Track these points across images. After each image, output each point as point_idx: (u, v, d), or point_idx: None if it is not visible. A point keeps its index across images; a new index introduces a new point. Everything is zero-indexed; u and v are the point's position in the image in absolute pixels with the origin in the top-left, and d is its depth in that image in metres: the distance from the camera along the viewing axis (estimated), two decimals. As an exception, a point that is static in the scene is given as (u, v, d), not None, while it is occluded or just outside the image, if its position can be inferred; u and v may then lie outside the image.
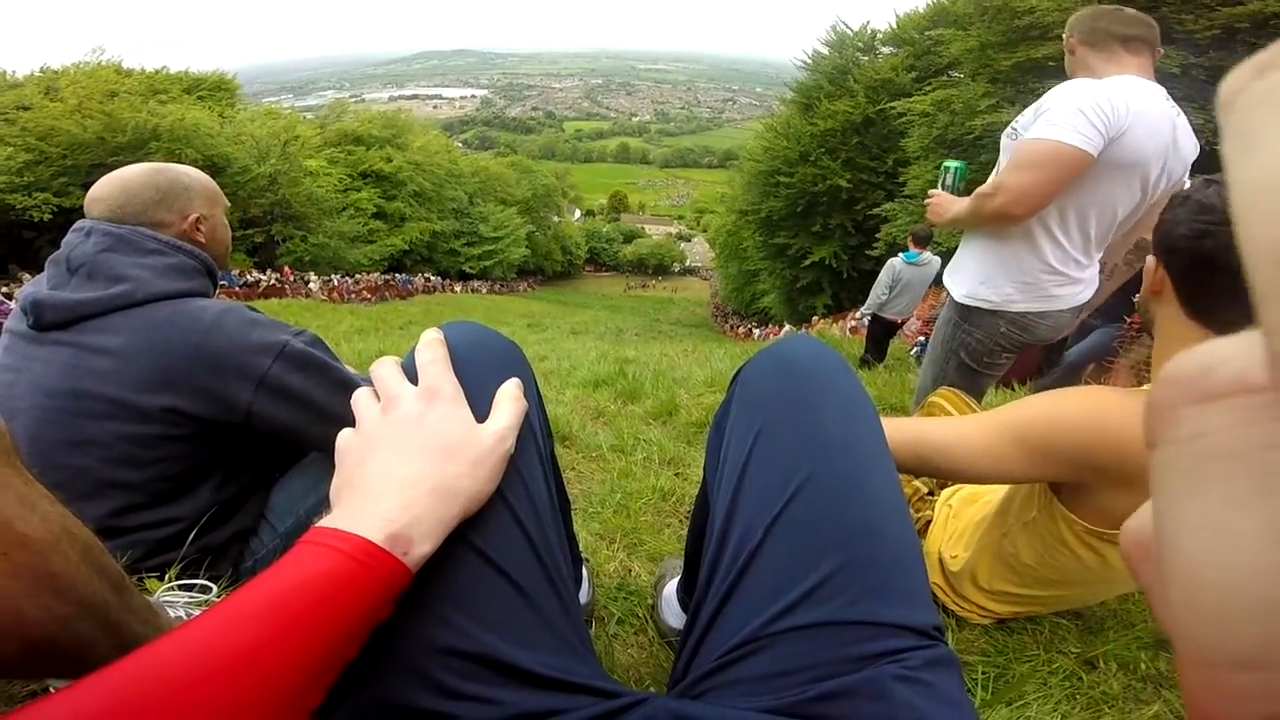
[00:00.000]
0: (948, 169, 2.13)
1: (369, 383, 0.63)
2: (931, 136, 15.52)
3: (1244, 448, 0.15)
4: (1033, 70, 12.90)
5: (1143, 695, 1.18)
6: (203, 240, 1.28)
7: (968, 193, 1.95)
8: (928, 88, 16.40)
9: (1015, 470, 1.01)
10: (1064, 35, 1.82)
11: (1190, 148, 1.70)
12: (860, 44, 22.68)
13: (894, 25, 21.83)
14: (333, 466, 0.58)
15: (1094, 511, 1.03)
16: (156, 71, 29.01)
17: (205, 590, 1.04)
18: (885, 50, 22.19)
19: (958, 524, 1.37)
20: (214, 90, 30.06)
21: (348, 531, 0.48)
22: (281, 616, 0.43)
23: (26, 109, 21.21)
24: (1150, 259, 1.03)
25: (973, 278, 1.94)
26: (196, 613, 0.95)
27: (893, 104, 17.52)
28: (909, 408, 3.66)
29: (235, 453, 1.20)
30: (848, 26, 23.02)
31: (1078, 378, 4.75)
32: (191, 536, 1.15)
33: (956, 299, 1.98)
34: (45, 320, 1.08)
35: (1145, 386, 1.03)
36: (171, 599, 0.99)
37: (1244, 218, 0.15)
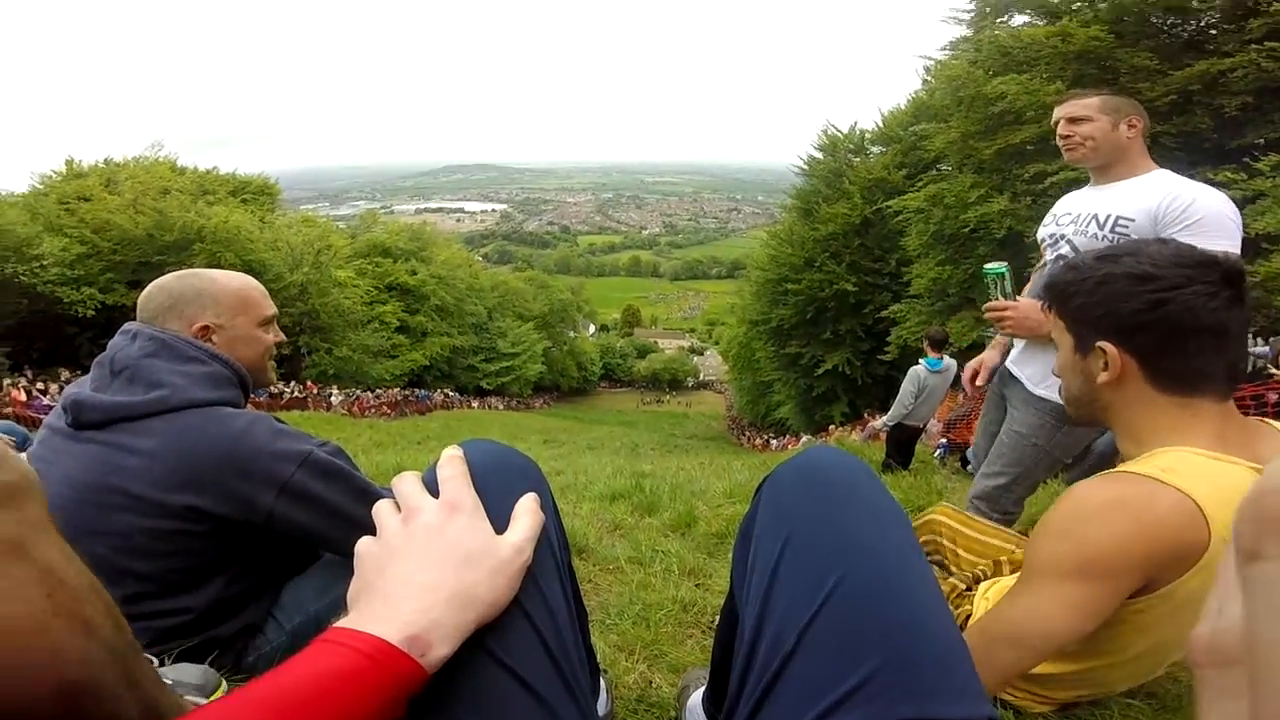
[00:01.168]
0: (999, 275, 1.97)
1: (389, 492, 0.65)
2: (929, 233, 15.86)
3: None
4: (1014, 156, 13.32)
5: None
6: (209, 339, 1.32)
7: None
8: (919, 183, 16.86)
9: (1109, 608, 0.97)
10: (1125, 114, 1.86)
11: None
12: (851, 145, 23.53)
13: (880, 124, 22.79)
14: (346, 569, 0.59)
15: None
16: (207, 171, 30.23)
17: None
18: (875, 150, 23.01)
19: None
20: (257, 194, 31.19)
21: (364, 631, 0.49)
22: (289, 709, 0.43)
23: (87, 200, 22.07)
24: (1106, 347, 1.02)
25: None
26: None
27: (888, 203, 18.01)
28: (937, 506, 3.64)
29: (249, 551, 1.23)
30: (838, 129, 23.94)
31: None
32: (199, 626, 1.17)
33: (1052, 398, 1.93)
34: (83, 420, 1.14)
35: (1138, 468, 0.99)
36: None
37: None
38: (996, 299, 1.98)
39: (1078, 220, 1.93)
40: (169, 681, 0.93)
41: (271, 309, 1.45)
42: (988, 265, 2.02)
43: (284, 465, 1.15)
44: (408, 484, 0.64)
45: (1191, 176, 1.78)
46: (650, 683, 1.41)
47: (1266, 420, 1.04)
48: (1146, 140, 1.90)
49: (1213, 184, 1.77)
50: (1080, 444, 2.02)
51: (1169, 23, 12.19)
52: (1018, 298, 2.00)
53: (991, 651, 1.01)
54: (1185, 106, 11.23)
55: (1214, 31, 11.65)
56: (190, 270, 1.36)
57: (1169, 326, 0.96)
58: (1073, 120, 1.92)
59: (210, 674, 1.07)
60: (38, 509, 0.58)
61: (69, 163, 26.34)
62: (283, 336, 1.50)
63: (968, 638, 0.82)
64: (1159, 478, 0.93)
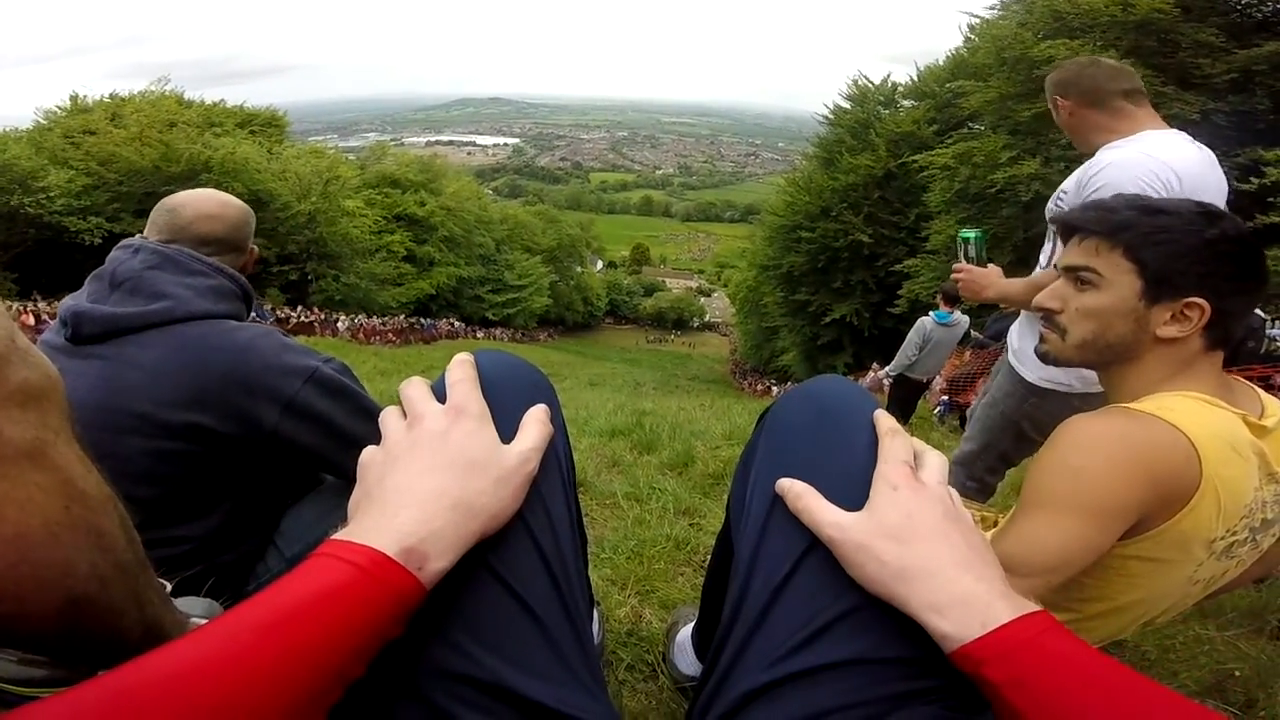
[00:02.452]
0: (966, 239, 2.02)
1: None
2: (953, 190, 15.60)
3: None
4: (1053, 121, 13.01)
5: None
6: (248, 270, 1.34)
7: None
8: (949, 140, 16.55)
9: (1102, 543, 0.95)
10: (1051, 96, 1.81)
11: (1224, 187, 1.67)
12: (881, 98, 23.06)
13: (915, 78, 22.23)
14: (348, 494, 0.58)
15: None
16: (214, 104, 30.06)
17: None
18: (906, 103, 22.50)
19: None
20: (265, 126, 30.95)
21: (361, 544, 0.47)
22: (284, 626, 0.42)
23: (92, 134, 22.35)
24: (1200, 304, 0.99)
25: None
26: None
27: (914, 157, 17.72)
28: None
29: (251, 474, 1.21)
30: (869, 80, 23.44)
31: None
32: (200, 555, 1.15)
33: (1031, 380, 1.88)
34: (84, 333, 1.09)
35: (1136, 405, 0.99)
36: None
37: None
38: (961, 261, 2.01)
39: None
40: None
41: None
42: (963, 230, 2.05)
43: (289, 380, 1.13)
44: (415, 389, 0.63)
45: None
46: (641, 617, 1.44)
47: (1238, 378, 1.08)
48: (1109, 111, 1.72)
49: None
50: (1053, 423, 1.89)
51: (1243, 2, 11.83)
52: (990, 264, 1.99)
53: None
54: (1245, 85, 10.93)
55: (1291, 16, 11.29)
56: (217, 195, 1.33)
57: (1251, 294, 1.01)
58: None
59: (214, 606, 1.06)
60: (60, 413, 0.56)
61: (74, 98, 26.22)
62: None
63: None
64: (1156, 414, 0.94)
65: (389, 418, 0.61)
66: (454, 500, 0.53)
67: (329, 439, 1.17)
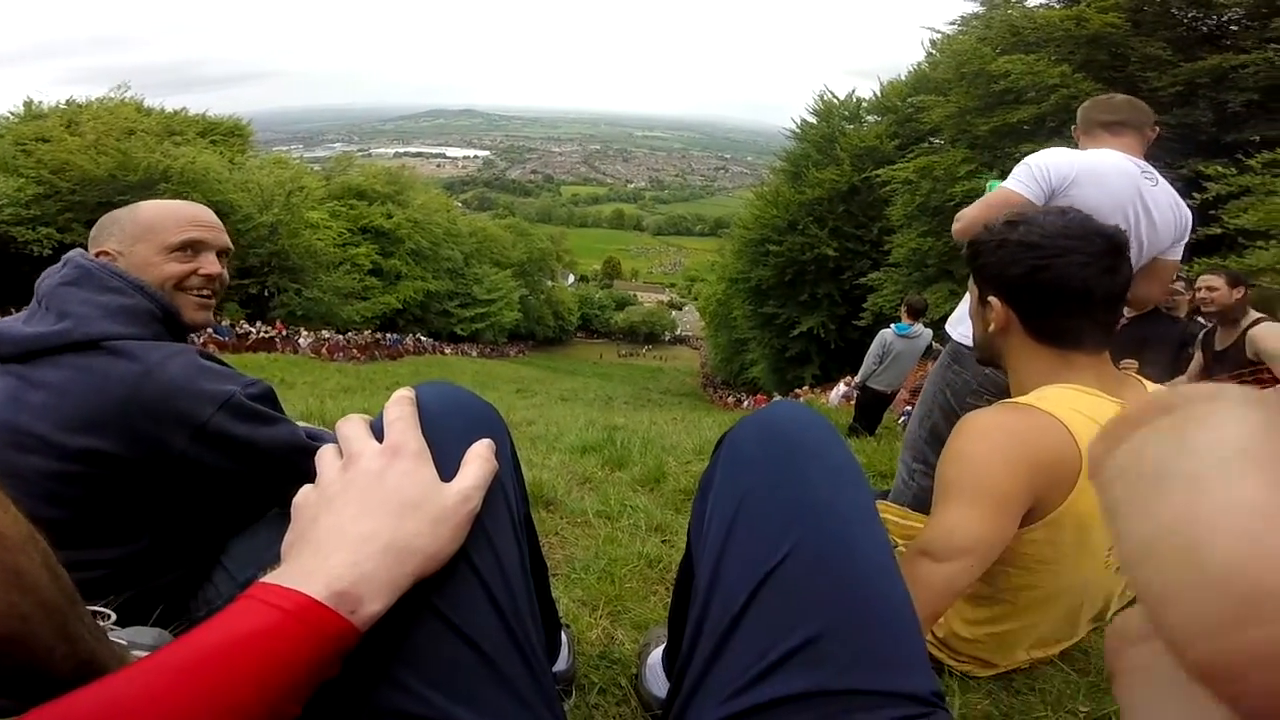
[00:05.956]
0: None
1: (327, 435, 0.63)
2: (914, 204, 15.99)
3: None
4: (1010, 134, 13.47)
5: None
6: None
7: None
8: (910, 155, 16.99)
9: (1006, 523, 1.06)
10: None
11: (1168, 221, 1.87)
12: (846, 113, 23.65)
13: (878, 93, 22.81)
14: None
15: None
16: (175, 113, 29.12)
17: (105, 618, 0.99)
18: (870, 118, 23.11)
19: None
20: (228, 135, 30.25)
21: (289, 588, 0.47)
22: (201, 668, 0.42)
23: (46, 141, 21.48)
24: (993, 300, 1.19)
25: (963, 314, 2.00)
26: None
27: (877, 172, 18.11)
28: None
29: (170, 498, 1.15)
30: (834, 95, 23.98)
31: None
32: (122, 580, 1.11)
33: (954, 339, 2.05)
34: (3, 353, 1.08)
35: (1021, 399, 1.15)
36: None
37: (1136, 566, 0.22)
38: None
39: None
40: (123, 642, 0.90)
41: (182, 236, 1.25)
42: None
43: (201, 406, 1.08)
44: (351, 427, 0.61)
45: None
46: (613, 638, 1.41)
47: (1135, 377, 1.21)
48: (1088, 136, 2.03)
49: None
50: (974, 394, 1.99)
51: (1190, 15, 12.28)
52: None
53: (912, 566, 1.08)
54: (1189, 98, 11.38)
55: (1234, 27, 11.78)
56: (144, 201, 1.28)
57: (1041, 291, 1.13)
58: None
59: (164, 636, 1.02)
60: None
61: (28, 104, 25.36)
62: (215, 268, 1.30)
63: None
64: (1032, 404, 1.08)
65: (325, 457, 0.60)
66: (387, 542, 0.52)
67: (245, 464, 1.13)
